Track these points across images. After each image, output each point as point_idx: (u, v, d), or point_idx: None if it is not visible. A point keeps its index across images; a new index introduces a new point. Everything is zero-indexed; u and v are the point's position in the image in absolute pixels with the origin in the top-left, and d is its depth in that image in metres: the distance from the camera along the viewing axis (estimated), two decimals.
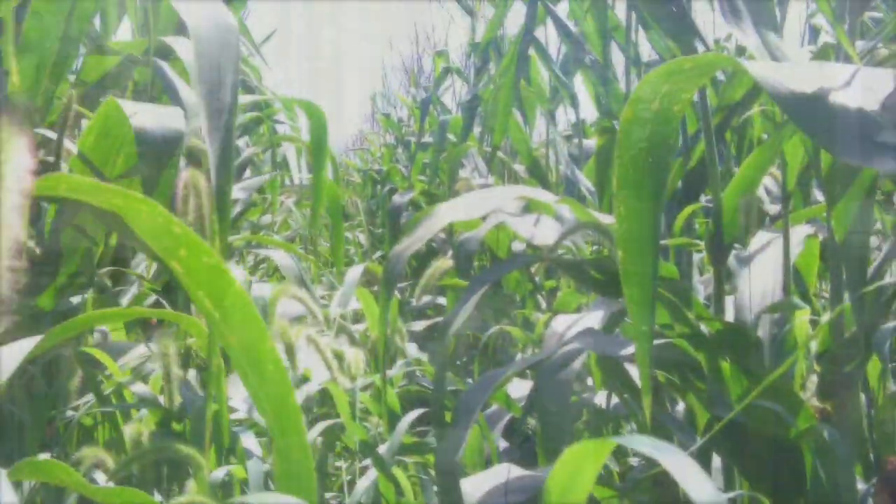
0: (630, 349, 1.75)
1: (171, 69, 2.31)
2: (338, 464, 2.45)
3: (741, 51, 3.55)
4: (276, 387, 1.09)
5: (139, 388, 1.94)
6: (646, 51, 3.93)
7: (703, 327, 1.93)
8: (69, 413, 1.93)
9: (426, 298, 4.20)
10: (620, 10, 3.96)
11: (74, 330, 1.27)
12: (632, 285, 1.55)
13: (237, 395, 2.08)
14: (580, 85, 4.45)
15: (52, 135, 2.07)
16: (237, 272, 2.54)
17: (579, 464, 1.03)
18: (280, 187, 4.97)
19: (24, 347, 1.24)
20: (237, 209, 3.78)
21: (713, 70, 1.78)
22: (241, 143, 4.70)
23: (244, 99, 3.44)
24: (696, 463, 0.97)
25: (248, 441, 1.93)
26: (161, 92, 2.38)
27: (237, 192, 3.45)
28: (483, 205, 2.08)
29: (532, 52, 4.59)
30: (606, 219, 2.02)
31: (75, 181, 0.92)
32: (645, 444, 1.00)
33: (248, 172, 4.70)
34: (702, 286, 2.90)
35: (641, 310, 1.54)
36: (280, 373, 1.09)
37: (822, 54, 2.33)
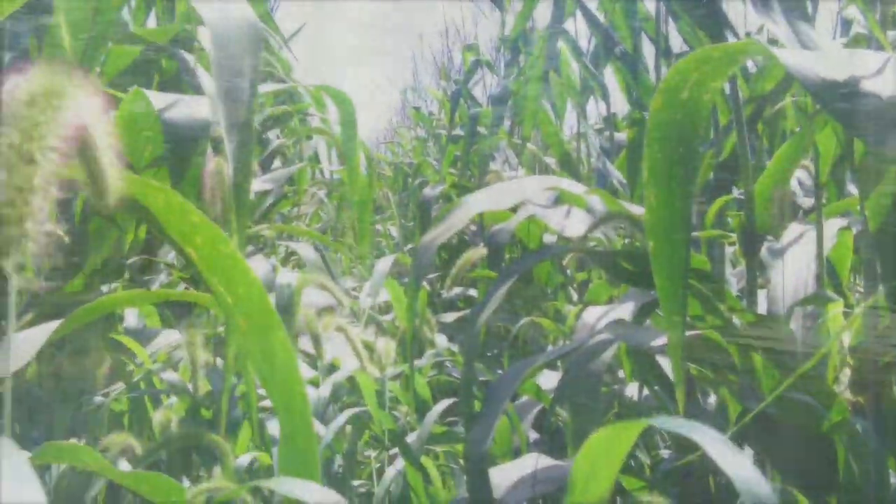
0: (661, 340, 1.73)
1: (197, 59, 2.31)
2: (368, 452, 2.45)
3: (773, 43, 3.52)
4: (285, 374, 1.09)
5: (169, 375, 1.94)
6: (677, 44, 3.91)
7: (736, 319, 1.91)
8: (98, 399, 1.94)
9: (457, 290, 4.19)
10: (650, 1, 3.95)
11: (96, 312, 1.27)
12: (662, 275, 1.54)
13: None
14: (611, 77, 4.44)
15: None
16: (265, 263, 2.54)
17: (607, 447, 1.01)
18: (311, 180, 4.97)
19: (45, 330, 1.24)
20: (268, 201, 3.78)
21: (743, 57, 1.76)
22: (270, 135, 4.71)
23: (270, 87, 3.43)
24: (731, 442, 0.96)
25: (275, 427, 1.93)
26: (187, 83, 2.37)
27: (265, 183, 3.44)
28: (513, 195, 2.07)
29: (562, 44, 4.57)
30: (637, 209, 2.01)
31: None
32: (678, 425, 0.98)
33: (277, 164, 4.71)
34: (734, 279, 2.89)
35: (673, 300, 1.53)
36: (289, 361, 1.09)
37: (853, 44, 2.31)
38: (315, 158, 5.40)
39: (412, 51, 11.00)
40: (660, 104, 1.48)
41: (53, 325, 1.24)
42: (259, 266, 2.36)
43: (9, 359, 1.20)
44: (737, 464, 0.93)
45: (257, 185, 3.12)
